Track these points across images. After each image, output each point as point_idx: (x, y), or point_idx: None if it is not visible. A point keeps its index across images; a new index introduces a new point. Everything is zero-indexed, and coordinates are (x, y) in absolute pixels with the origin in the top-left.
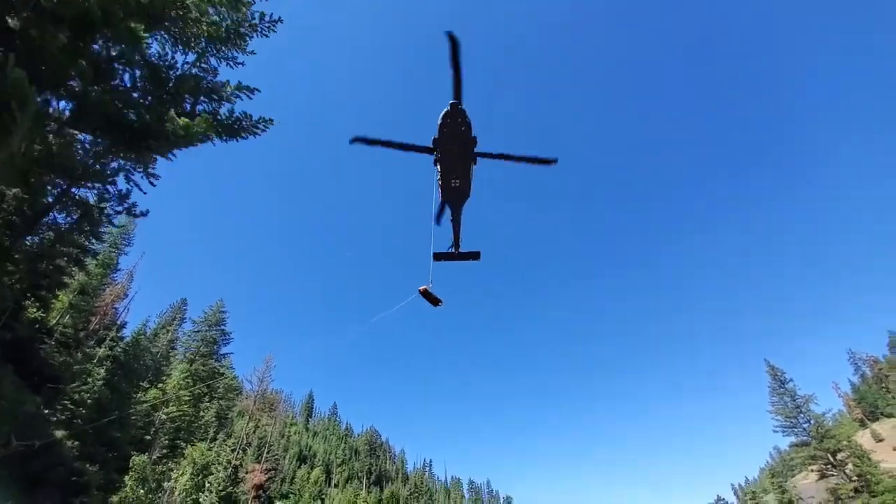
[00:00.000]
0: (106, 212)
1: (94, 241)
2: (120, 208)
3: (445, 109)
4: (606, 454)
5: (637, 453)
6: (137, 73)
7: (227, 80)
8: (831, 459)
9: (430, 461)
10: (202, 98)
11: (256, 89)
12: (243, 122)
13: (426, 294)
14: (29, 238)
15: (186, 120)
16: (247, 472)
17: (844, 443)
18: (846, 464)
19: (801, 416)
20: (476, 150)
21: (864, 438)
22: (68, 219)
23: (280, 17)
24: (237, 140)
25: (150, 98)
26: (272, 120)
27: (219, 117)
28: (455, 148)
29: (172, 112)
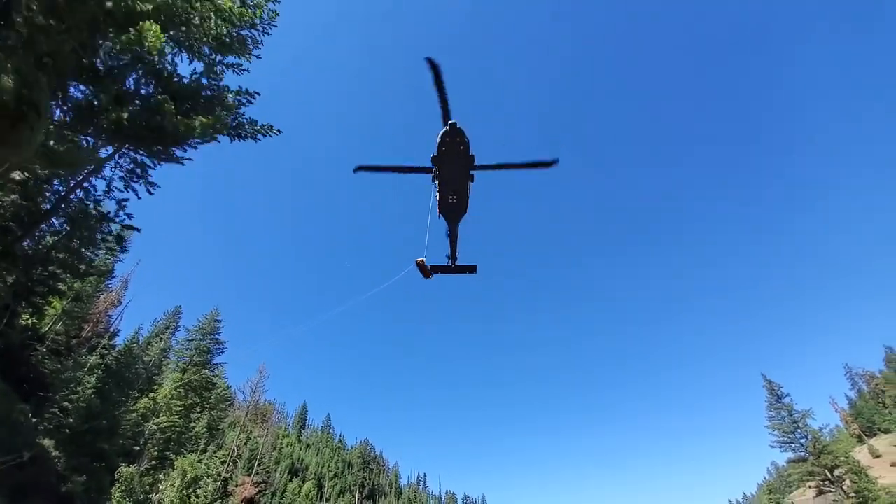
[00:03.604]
0: (104, 219)
1: (90, 247)
2: (115, 218)
3: (444, 129)
4: (600, 470)
5: (631, 469)
6: (149, 81)
7: (227, 86)
8: (829, 476)
9: (425, 475)
10: (202, 104)
11: (257, 93)
12: (247, 128)
13: (422, 266)
14: (25, 243)
15: (202, 118)
16: (236, 486)
17: (842, 459)
18: (844, 480)
19: (799, 431)
20: (473, 167)
21: (861, 454)
22: (65, 225)
23: (276, 11)
24: (242, 141)
25: (153, 100)
26: (279, 130)
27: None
28: (453, 166)
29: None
